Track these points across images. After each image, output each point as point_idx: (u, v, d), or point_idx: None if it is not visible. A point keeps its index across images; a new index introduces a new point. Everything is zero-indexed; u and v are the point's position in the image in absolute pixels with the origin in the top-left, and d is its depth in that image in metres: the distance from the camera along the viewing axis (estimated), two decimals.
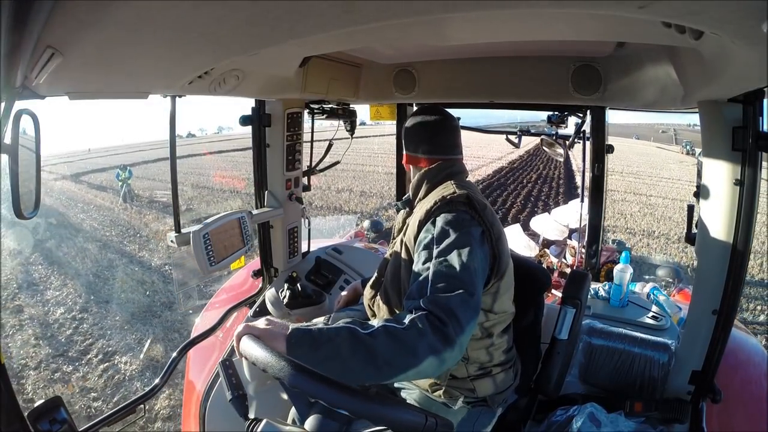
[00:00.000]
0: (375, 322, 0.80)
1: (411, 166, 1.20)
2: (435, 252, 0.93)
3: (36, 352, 4.14)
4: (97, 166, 24.74)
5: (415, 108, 1.96)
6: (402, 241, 1.12)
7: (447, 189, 1.06)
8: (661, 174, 17.86)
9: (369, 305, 1.22)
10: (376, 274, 1.25)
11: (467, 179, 1.17)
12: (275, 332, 0.77)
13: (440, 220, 0.97)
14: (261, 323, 0.79)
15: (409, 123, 1.19)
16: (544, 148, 2.26)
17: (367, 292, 1.24)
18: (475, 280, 0.90)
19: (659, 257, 5.71)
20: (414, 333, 0.77)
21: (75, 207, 12.10)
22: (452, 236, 0.94)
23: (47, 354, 4.08)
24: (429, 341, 0.77)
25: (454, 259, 0.90)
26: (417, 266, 0.94)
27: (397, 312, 1.11)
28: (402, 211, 1.24)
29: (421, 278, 0.90)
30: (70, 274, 6.29)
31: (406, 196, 1.22)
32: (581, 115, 1.83)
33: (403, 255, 1.09)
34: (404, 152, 1.21)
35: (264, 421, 0.75)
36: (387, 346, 0.75)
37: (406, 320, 0.79)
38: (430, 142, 1.15)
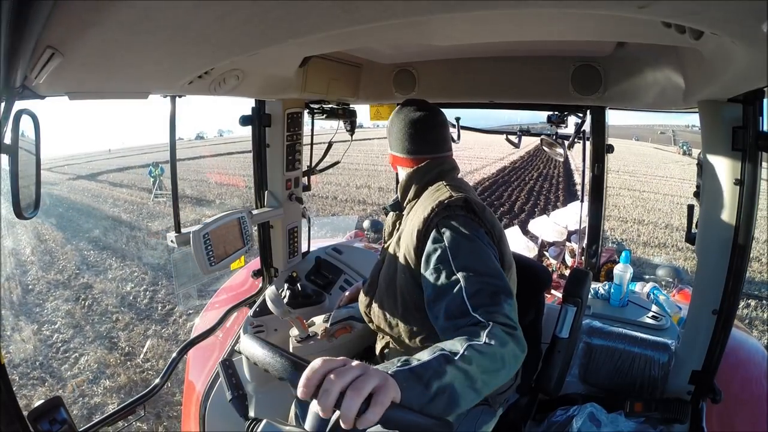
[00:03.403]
0: (458, 347, 0.72)
1: (398, 167, 1.14)
2: (456, 264, 0.89)
3: (119, 317, 4.41)
4: (112, 166, 25.55)
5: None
6: (394, 247, 1.08)
7: (441, 192, 1.01)
8: (656, 173, 18.56)
9: (365, 312, 1.19)
10: (366, 287, 1.20)
11: (459, 176, 1.13)
12: (388, 378, 0.59)
13: (448, 230, 0.94)
14: (357, 372, 0.57)
15: (392, 121, 1.12)
16: (544, 148, 2.26)
17: (362, 298, 1.20)
18: (505, 280, 0.89)
19: (658, 258, 5.81)
20: (498, 346, 0.75)
21: (105, 203, 12.54)
22: (467, 244, 0.91)
23: (131, 318, 4.38)
24: (511, 350, 0.77)
25: (480, 266, 0.88)
26: (439, 281, 0.90)
27: (392, 319, 1.07)
28: (391, 213, 1.19)
29: (453, 294, 0.86)
30: (129, 256, 6.59)
31: (394, 198, 1.17)
32: (581, 115, 1.83)
33: (401, 261, 1.03)
34: (389, 152, 1.15)
35: (264, 421, 0.75)
36: (482, 366, 0.71)
37: (484, 337, 0.75)
38: (416, 140, 1.08)
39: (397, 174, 1.18)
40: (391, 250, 1.10)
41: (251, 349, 0.74)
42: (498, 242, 1.00)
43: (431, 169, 1.08)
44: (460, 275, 0.87)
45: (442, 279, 0.89)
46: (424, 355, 0.68)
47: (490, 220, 1.00)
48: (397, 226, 1.15)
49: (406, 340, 1.07)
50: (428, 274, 0.92)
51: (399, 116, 1.11)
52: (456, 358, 0.69)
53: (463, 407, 0.69)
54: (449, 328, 0.84)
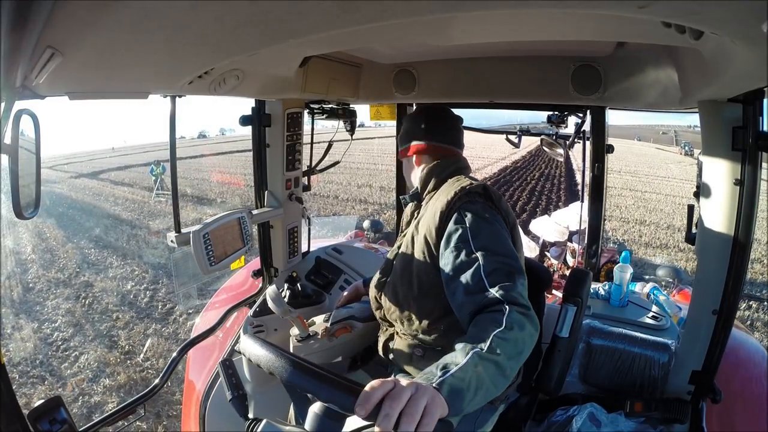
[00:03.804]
0: (485, 339, 0.75)
1: (420, 157, 1.23)
2: (475, 244, 0.96)
3: (119, 316, 4.42)
4: (114, 165, 25.76)
5: (415, 108, 1.96)
6: (413, 232, 1.14)
7: (462, 182, 1.10)
8: (658, 173, 18.60)
9: (375, 297, 1.24)
10: (379, 275, 1.25)
11: (471, 175, 1.20)
12: (436, 395, 0.62)
13: (470, 213, 1.02)
14: (409, 393, 0.59)
15: (421, 115, 1.23)
16: (544, 148, 2.26)
17: (373, 285, 1.26)
18: (519, 262, 0.97)
19: (659, 259, 5.82)
20: (518, 331, 0.79)
21: (106, 201, 12.62)
22: (486, 226, 1.00)
23: (131, 317, 4.40)
24: (528, 331, 0.81)
25: (497, 247, 0.96)
26: (459, 259, 0.96)
27: (404, 301, 1.13)
28: (410, 204, 1.27)
29: (471, 271, 0.92)
30: (129, 254, 6.63)
31: (414, 189, 1.25)
32: (581, 115, 1.83)
33: (418, 246, 1.11)
34: (412, 143, 1.23)
35: (264, 421, 0.75)
36: (508, 353, 0.75)
37: (505, 323, 0.79)
38: (440, 131, 1.21)
39: (413, 168, 1.26)
40: (409, 235, 1.17)
41: (288, 369, 0.72)
42: (511, 229, 1.07)
43: (449, 165, 1.19)
44: (479, 254, 0.94)
45: (462, 257, 0.96)
46: (459, 357, 0.71)
47: (505, 209, 1.09)
48: (416, 215, 1.22)
49: (416, 322, 1.11)
50: (448, 252, 1.00)
51: (422, 112, 1.25)
52: (485, 351, 0.73)
53: (497, 394, 0.76)
54: (466, 302, 0.91)
